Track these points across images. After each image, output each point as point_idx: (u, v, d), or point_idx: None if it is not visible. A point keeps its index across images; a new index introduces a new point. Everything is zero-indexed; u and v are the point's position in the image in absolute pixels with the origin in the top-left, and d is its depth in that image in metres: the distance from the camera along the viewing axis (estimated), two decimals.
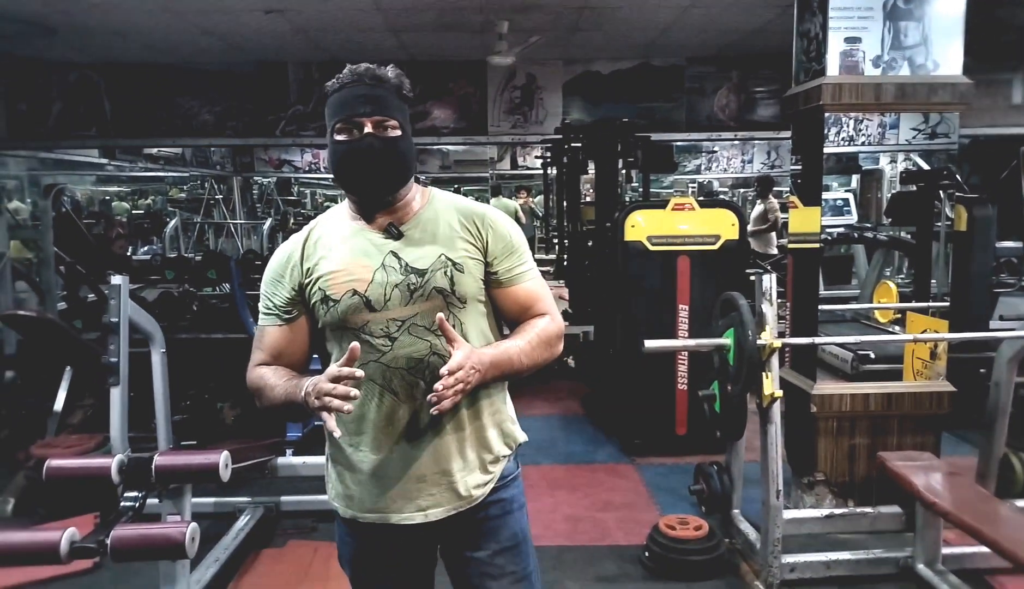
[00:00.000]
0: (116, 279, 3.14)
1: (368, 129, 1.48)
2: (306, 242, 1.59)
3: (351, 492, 1.59)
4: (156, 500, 2.10)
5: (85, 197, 12.98)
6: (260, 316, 1.62)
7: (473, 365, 1.42)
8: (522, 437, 1.70)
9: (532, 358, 1.56)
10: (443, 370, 1.38)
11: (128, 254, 7.56)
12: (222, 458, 1.98)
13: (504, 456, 1.64)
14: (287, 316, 1.58)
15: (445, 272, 1.52)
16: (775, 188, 9.44)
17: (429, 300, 1.51)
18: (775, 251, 8.38)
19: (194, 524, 1.73)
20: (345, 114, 1.50)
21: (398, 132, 1.51)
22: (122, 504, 1.88)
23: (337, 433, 1.40)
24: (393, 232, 1.54)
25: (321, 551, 3.34)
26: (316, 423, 4.65)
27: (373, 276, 1.51)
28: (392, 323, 1.50)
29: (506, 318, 1.64)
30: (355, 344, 1.39)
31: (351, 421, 1.55)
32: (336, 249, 1.55)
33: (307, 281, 1.55)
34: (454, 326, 1.50)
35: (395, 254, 1.53)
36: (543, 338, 1.58)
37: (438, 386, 1.37)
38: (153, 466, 1.92)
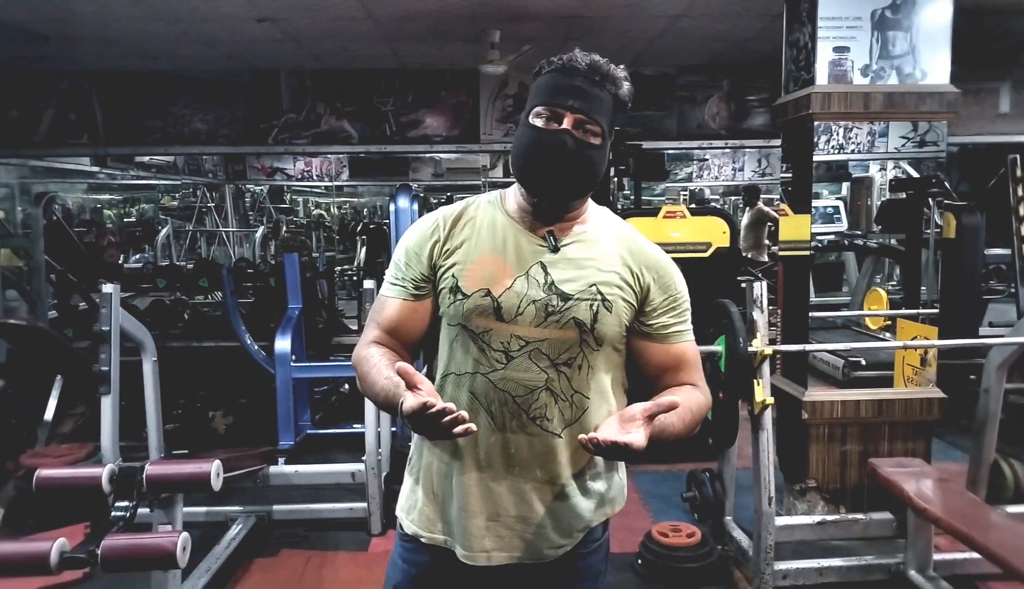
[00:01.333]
0: (107, 287, 3.13)
1: (567, 124, 1.30)
2: (456, 220, 1.41)
3: (421, 506, 1.44)
4: (147, 510, 2.10)
5: (76, 205, 12.93)
6: (386, 286, 1.44)
7: (633, 446, 1.19)
8: (621, 505, 1.51)
9: (677, 432, 1.33)
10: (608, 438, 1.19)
11: (119, 262, 7.54)
12: (213, 467, 1.98)
13: (594, 526, 1.45)
14: (417, 292, 1.39)
15: (591, 305, 1.33)
16: (763, 196, 9.49)
17: (563, 329, 1.33)
18: (766, 258, 8.42)
19: (185, 534, 1.73)
20: (549, 100, 1.32)
21: (598, 140, 1.32)
22: (113, 514, 1.87)
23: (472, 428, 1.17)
24: (550, 242, 1.36)
25: (313, 560, 3.33)
26: (308, 432, 4.64)
27: (513, 282, 1.33)
28: (516, 340, 1.33)
29: (645, 372, 1.44)
30: (471, 426, 1.17)
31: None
32: (483, 239, 1.38)
33: (443, 263, 1.38)
34: (580, 367, 1.35)
35: (544, 267, 1.35)
36: (696, 417, 1.38)
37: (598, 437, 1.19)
38: (144, 475, 1.92)
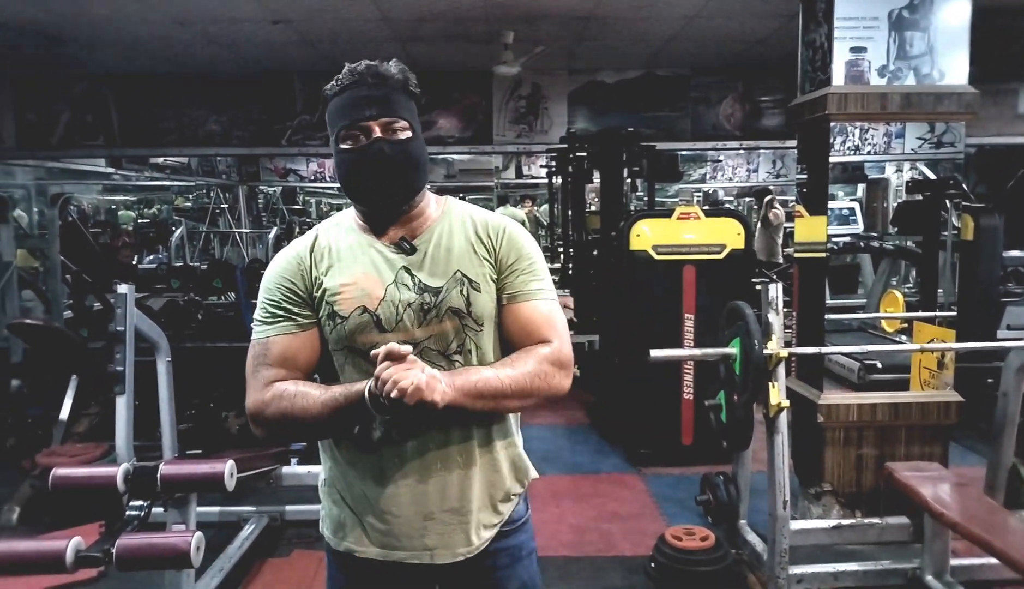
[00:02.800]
0: (122, 288, 3.15)
1: (376, 133, 1.35)
2: (313, 248, 1.44)
3: (347, 523, 1.46)
4: (161, 509, 2.10)
5: (91, 206, 13.03)
6: (260, 328, 1.42)
7: (432, 388, 1.23)
8: (534, 473, 1.56)
9: (520, 387, 1.36)
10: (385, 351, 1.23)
11: (134, 263, 7.60)
12: (227, 467, 1.98)
13: (515, 494, 1.51)
14: (304, 321, 1.40)
15: (461, 290, 1.39)
16: (778, 197, 9.42)
17: (444, 321, 1.38)
18: (781, 260, 8.37)
19: (199, 533, 1.73)
20: (349, 119, 1.36)
21: (408, 134, 1.38)
22: (127, 513, 1.88)
23: None
24: (405, 247, 1.41)
25: (325, 561, 3.33)
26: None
27: (385, 293, 1.37)
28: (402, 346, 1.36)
29: (509, 340, 1.45)
30: (407, 350, 1.25)
31: (355, 449, 1.43)
32: (345, 261, 1.41)
33: (316, 293, 1.41)
34: (470, 351, 1.40)
35: (408, 270, 1.40)
36: (538, 367, 1.38)
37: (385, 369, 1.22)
38: (158, 475, 1.92)
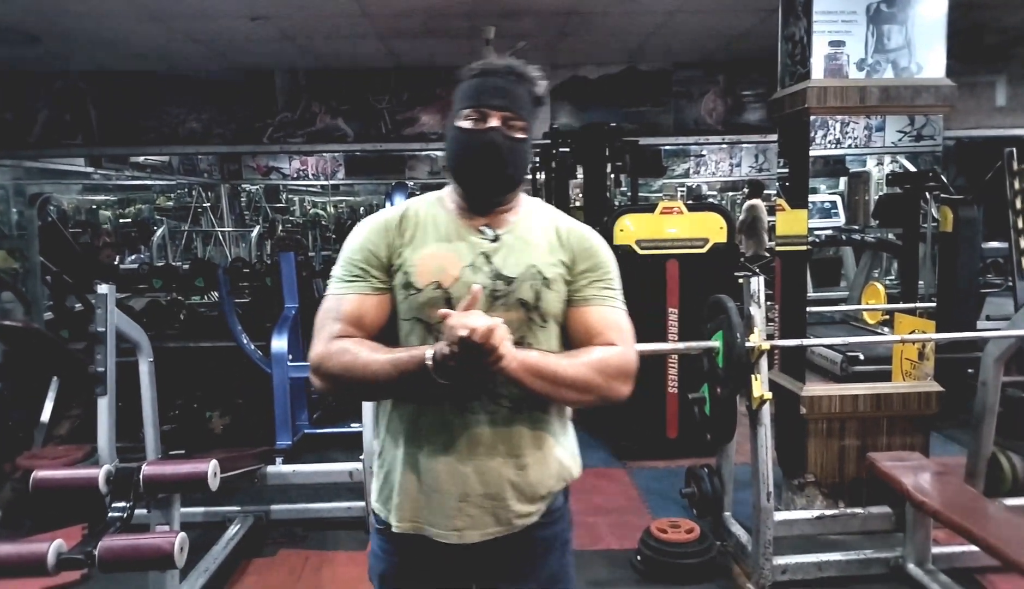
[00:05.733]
0: (102, 288, 3.12)
1: (494, 122, 1.41)
2: (403, 217, 1.49)
3: (392, 497, 1.49)
4: (145, 510, 2.09)
5: (72, 206, 12.90)
6: (337, 284, 1.46)
7: (501, 337, 1.25)
8: (578, 472, 1.58)
9: (582, 379, 1.39)
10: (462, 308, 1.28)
11: (115, 263, 7.53)
12: (210, 467, 1.97)
13: (554, 491, 1.52)
14: (380, 285, 1.45)
15: (532, 285, 1.43)
16: (764, 191, 9.47)
17: (510, 311, 1.41)
18: (765, 254, 8.42)
19: (183, 534, 1.72)
20: (475, 102, 1.42)
21: (523, 134, 1.44)
22: (110, 515, 1.87)
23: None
24: (489, 234, 1.46)
25: (312, 560, 3.32)
26: (306, 431, 4.63)
27: (461, 273, 1.41)
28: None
29: (574, 341, 1.48)
30: (476, 287, 1.30)
31: (404, 421, 1.47)
32: (429, 236, 1.46)
33: (395, 261, 1.45)
34: (530, 345, 1.42)
35: (487, 256, 1.44)
36: (601, 364, 1.41)
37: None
38: (141, 476, 1.91)
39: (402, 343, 1.44)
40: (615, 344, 1.45)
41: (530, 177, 8.25)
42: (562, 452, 1.54)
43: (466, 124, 1.42)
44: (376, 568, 1.56)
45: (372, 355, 1.36)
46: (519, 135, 1.43)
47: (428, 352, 1.30)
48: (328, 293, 1.48)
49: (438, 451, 1.43)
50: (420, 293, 1.41)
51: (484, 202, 1.48)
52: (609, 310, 1.49)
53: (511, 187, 1.49)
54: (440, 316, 1.28)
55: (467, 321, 1.23)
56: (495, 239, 1.46)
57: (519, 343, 1.40)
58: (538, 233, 1.49)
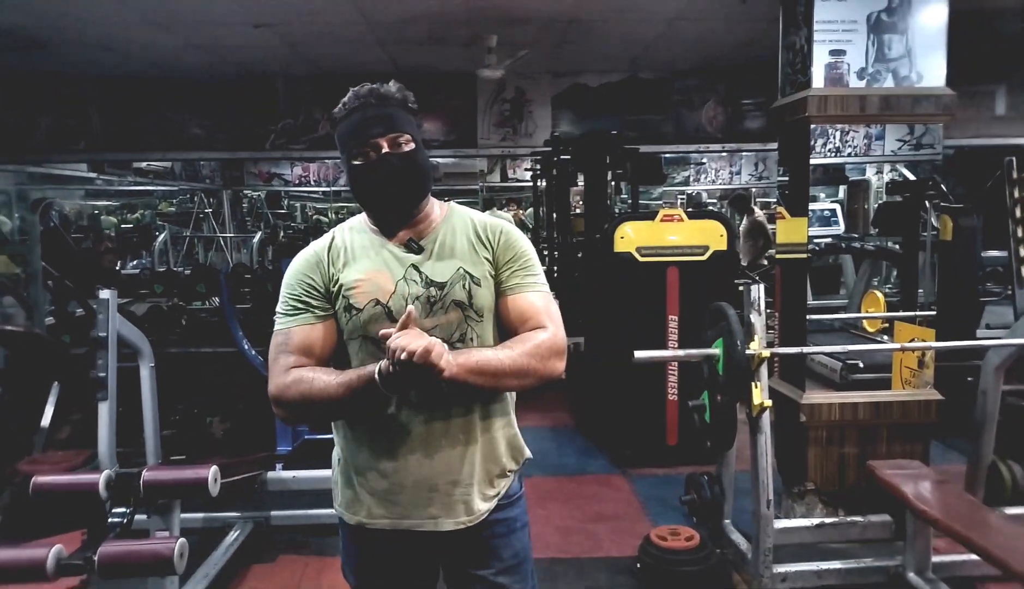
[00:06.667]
0: (104, 293, 3.13)
1: (385, 149, 1.52)
2: (331, 247, 1.60)
3: (360, 498, 1.60)
4: (145, 516, 2.09)
5: (74, 212, 12.91)
6: (282, 319, 1.56)
7: (439, 353, 1.35)
8: (528, 453, 1.71)
9: (519, 367, 1.49)
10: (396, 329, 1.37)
11: (117, 268, 7.54)
12: (211, 473, 1.98)
13: (511, 471, 1.66)
14: (322, 313, 1.55)
15: (464, 285, 1.54)
16: (761, 200, 9.46)
17: (448, 313, 1.53)
18: (764, 262, 8.42)
19: (182, 539, 1.72)
20: (360, 139, 1.52)
21: (412, 146, 1.55)
22: (110, 520, 1.87)
23: None
24: (414, 247, 1.57)
25: (312, 565, 3.32)
26: (306, 437, 4.63)
27: (395, 287, 1.53)
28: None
29: (507, 331, 1.59)
30: (410, 308, 1.40)
31: (366, 428, 1.56)
32: (359, 259, 1.57)
33: (332, 288, 1.56)
34: (471, 339, 1.54)
35: (416, 268, 1.55)
36: (534, 349, 1.51)
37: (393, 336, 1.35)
38: (141, 481, 1.92)
39: (352, 359, 1.56)
40: (545, 327, 1.55)
41: (530, 184, 8.28)
42: (512, 432, 1.67)
43: (359, 161, 1.53)
44: (350, 564, 1.70)
45: (327, 379, 1.46)
46: (408, 148, 1.54)
47: (375, 370, 1.40)
48: (276, 329, 1.57)
49: (401, 450, 1.54)
50: (361, 312, 1.52)
51: (398, 221, 1.58)
52: (535, 294, 1.59)
53: (419, 198, 1.58)
54: (382, 337, 1.37)
55: (405, 343, 1.32)
56: (419, 250, 1.57)
57: (461, 339, 1.54)
58: (459, 236, 1.59)
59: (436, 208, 1.64)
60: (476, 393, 1.54)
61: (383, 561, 1.64)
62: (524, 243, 1.63)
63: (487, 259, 1.58)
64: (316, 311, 1.55)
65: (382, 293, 1.52)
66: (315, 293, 1.56)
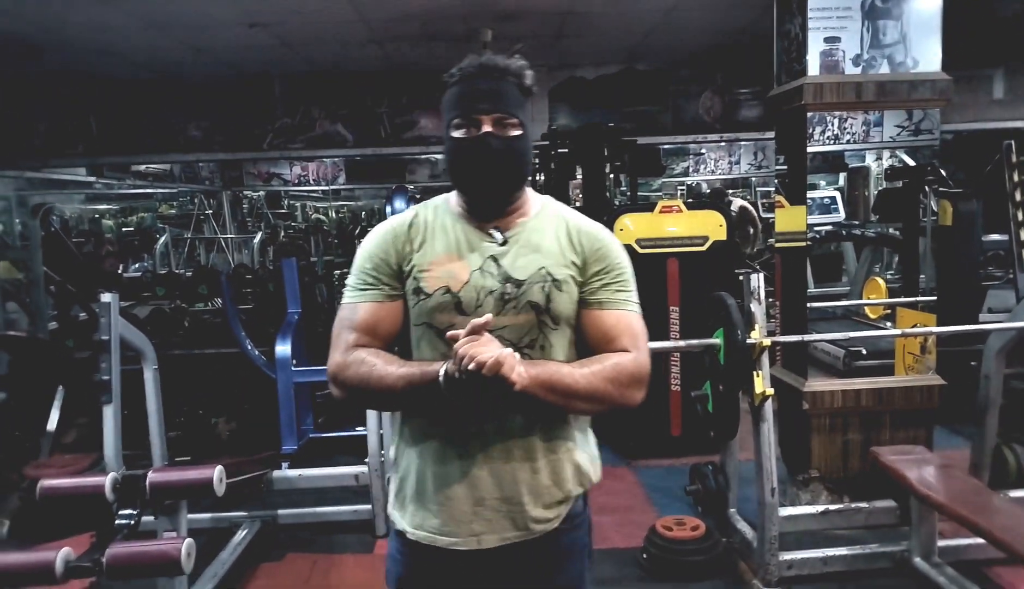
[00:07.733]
0: (106, 297, 3.13)
1: (486, 127, 1.39)
2: (412, 224, 1.48)
3: (407, 504, 1.49)
4: (152, 517, 2.10)
5: (74, 216, 12.93)
6: (351, 293, 1.47)
7: (511, 366, 1.23)
8: (597, 478, 1.54)
9: (594, 390, 1.36)
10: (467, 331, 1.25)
11: (118, 271, 7.55)
12: (216, 473, 1.98)
13: (572, 497, 1.49)
14: (393, 292, 1.45)
15: (543, 287, 1.41)
16: (760, 188, 9.43)
17: (521, 314, 1.40)
18: (767, 252, 8.40)
19: (190, 540, 1.73)
20: (463, 110, 1.40)
21: (518, 131, 1.41)
22: (117, 522, 1.88)
23: None
24: (498, 237, 1.45)
25: (320, 564, 3.33)
26: (311, 436, 4.64)
27: (470, 277, 1.41)
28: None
29: (588, 344, 1.46)
30: (488, 316, 1.28)
31: (418, 428, 1.46)
32: (438, 241, 1.45)
33: (405, 267, 1.45)
34: (543, 347, 1.42)
35: (495, 260, 1.43)
36: (613, 373, 1.38)
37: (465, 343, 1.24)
38: (147, 483, 1.93)
39: (413, 349, 1.45)
40: (628, 351, 1.42)
41: (530, 178, 8.28)
42: (580, 455, 1.50)
43: (459, 134, 1.41)
44: (393, 571, 1.55)
45: (387, 368, 1.35)
46: (514, 133, 1.41)
47: (440, 371, 1.29)
48: (343, 302, 1.48)
49: (452, 457, 1.42)
50: (430, 298, 1.41)
51: (488, 207, 1.46)
52: (623, 314, 1.45)
53: (514, 188, 1.47)
54: (449, 338, 1.27)
55: (475, 352, 1.21)
56: (504, 242, 1.44)
57: (531, 345, 1.41)
58: (548, 234, 1.47)
59: (530, 201, 1.51)
60: (540, 408, 1.38)
61: (426, 577, 1.50)
62: (621, 256, 1.49)
63: (574, 264, 1.44)
64: (386, 289, 1.45)
65: (454, 281, 1.40)
66: (387, 269, 1.45)
